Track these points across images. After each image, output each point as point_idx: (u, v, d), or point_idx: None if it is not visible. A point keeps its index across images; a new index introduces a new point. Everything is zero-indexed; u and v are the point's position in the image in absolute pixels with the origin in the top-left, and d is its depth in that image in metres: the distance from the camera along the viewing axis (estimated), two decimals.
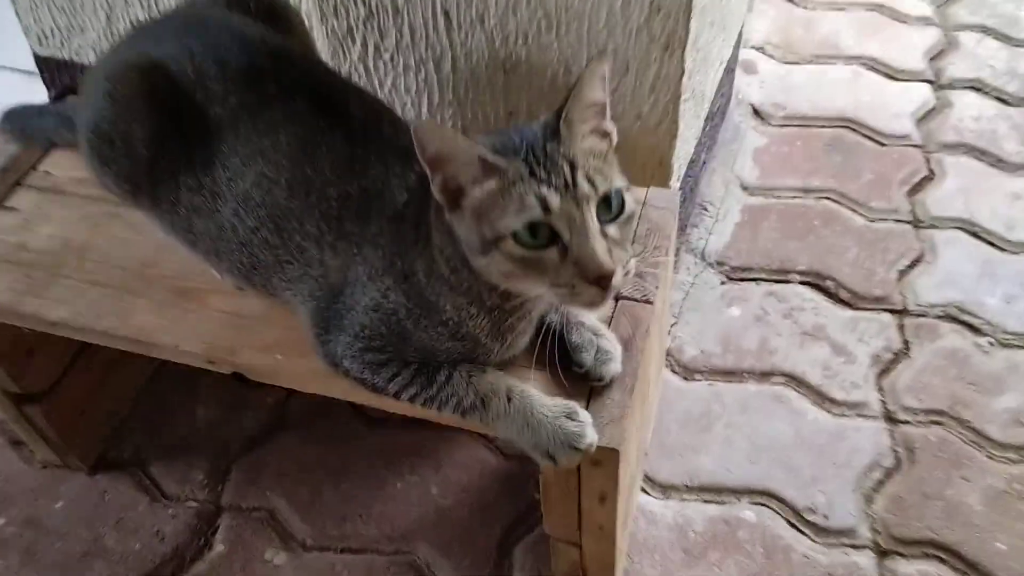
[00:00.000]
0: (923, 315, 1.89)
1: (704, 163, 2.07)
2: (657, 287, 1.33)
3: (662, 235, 1.39)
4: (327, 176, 1.19)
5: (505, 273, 1.05)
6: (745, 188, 2.14)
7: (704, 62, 1.64)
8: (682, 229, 1.99)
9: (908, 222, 2.07)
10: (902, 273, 1.97)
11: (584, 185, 1.01)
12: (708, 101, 1.86)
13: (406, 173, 1.18)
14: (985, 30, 2.53)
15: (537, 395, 1.17)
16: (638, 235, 1.39)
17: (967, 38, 2.51)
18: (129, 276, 1.38)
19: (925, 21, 2.57)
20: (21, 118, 1.58)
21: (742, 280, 1.97)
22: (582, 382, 1.21)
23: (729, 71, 2.12)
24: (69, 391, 1.65)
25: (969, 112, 2.31)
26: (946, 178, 2.15)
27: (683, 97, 1.52)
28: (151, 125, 1.22)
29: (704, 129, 1.92)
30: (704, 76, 1.69)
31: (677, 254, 1.98)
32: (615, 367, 1.21)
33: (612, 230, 1.04)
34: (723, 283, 1.97)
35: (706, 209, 2.09)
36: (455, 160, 1.02)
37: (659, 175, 1.61)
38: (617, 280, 1.02)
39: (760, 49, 2.49)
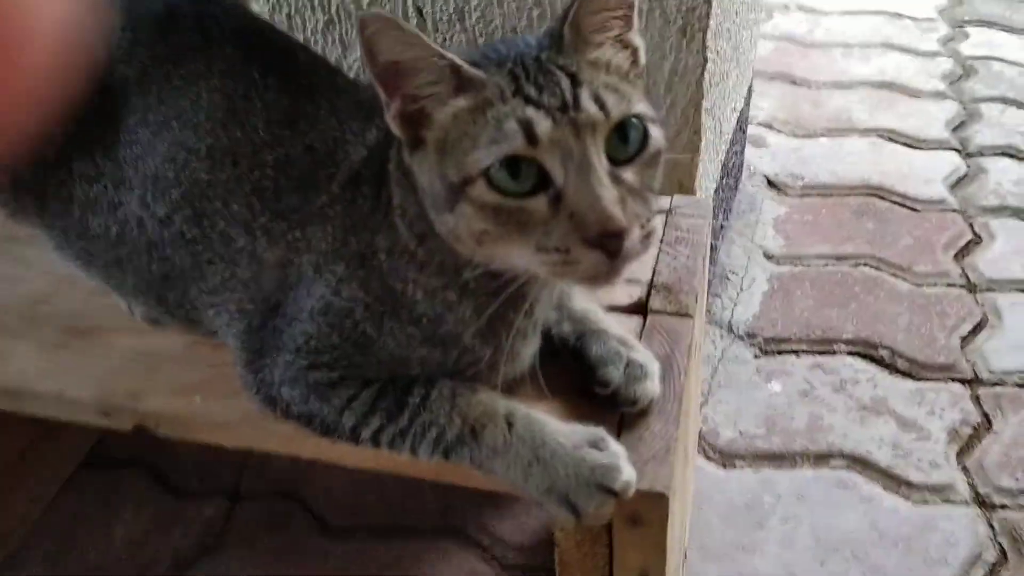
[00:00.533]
0: (999, 383, 1.58)
1: (721, 228, 1.81)
2: (696, 299, 1.02)
3: (696, 243, 1.09)
4: (261, 137, 0.90)
5: (477, 234, 0.74)
6: (770, 257, 1.87)
7: (723, 76, 1.40)
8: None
9: (961, 286, 1.79)
10: (965, 339, 1.67)
11: (589, 105, 0.71)
12: (726, 142, 1.61)
13: (366, 129, 0.89)
14: (1006, 101, 2.36)
15: (549, 420, 0.84)
16: (665, 243, 1.10)
17: (989, 109, 2.33)
18: (11, 317, 1.07)
19: (940, 95, 2.40)
20: None
21: (780, 353, 1.66)
22: (608, 408, 0.89)
23: (740, 131, 1.90)
24: None
25: (1008, 176, 2.09)
26: (995, 241, 1.90)
27: (704, 105, 1.27)
28: None
29: (721, 182, 1.67)
30: (723, 97, 1.45)
31: None
32: (652, 387, 0.89)
33: (628, 174, 0.73)
34: (757, 356, 1.66)
35: (728, 278, 1.80)
36: (418, 71, 0.73)
37: None
38: (631, 242, 0.71)
39: (767, 125, 2.29)
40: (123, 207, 0.94)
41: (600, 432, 0.82)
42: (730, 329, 1.71)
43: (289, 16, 1.32)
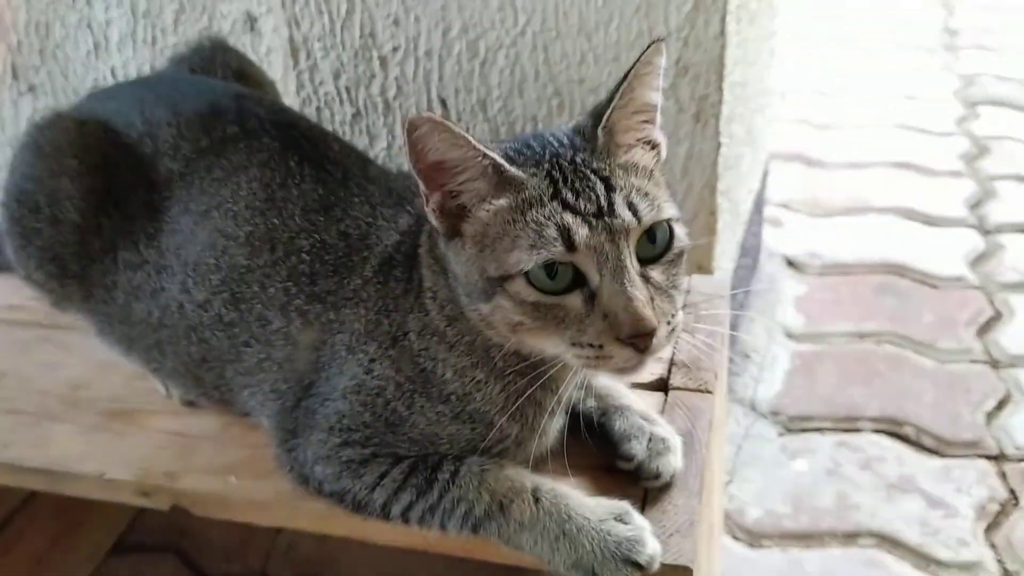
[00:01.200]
0: None
1: (741, 307, 1.83)
2: (716, 376, 1.04)
3: (714, 321, 1.12)
4: (298, 223, 0.95)
5: (513, 325, 0.78)
6: (791, 336, 1.89)
7: (737, 159, 1.45)
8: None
9: (984, 362, 1.79)
10: (990, 415, 1.67)
11: (623, 212, 0.76)
12: (743, 223, 1.65)
13: (398, 215, 0.94)
14: (1021, 179, 2.39)
15: (575, 494, 0.85)
16: (686, 324, 1.12)
17: (1005, 187, 2.36)
18: (52, 400, 1.11)
19: (956, 174, 2.43)
20: None
21: (804, 431, 1.67)
22: (631, 483, 0.90)
23: (757, 212, 1.94)
24: None
25: None
26: (1016, 317, 1.91)
27: (719, 186, 1.31)
28: (84, 184, 1.00)
29: (739, 261, 1.70)
30: (737, 180, 1.49)
31: None
32: (675, 461, 0.90)
33: (656, 273, 0.78)
34: (781, 434, 1.66)
35: (749, 357, 1.82)
36: (461, 169, 0.78)
37: None
38: (660, 339, 0.76)
39: (785, 206, 2.33)
40: (164, 292, 0.98)
41: (625, 506, 0.84)
42: (753, 407, 1.72)
43: (319, 109, 1.39)
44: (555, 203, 0.76)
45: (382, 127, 1.38)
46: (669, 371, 1.05)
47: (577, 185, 0.77)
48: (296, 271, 0.93)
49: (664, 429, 0.92)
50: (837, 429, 1.66)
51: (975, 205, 2.30)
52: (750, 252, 1.91)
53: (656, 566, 0.81)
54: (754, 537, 1.47)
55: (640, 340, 0.75)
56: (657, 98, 0.83)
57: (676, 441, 0.92)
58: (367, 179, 0.98)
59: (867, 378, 1.76)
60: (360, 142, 1.38)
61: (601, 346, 0.76)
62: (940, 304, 1.96)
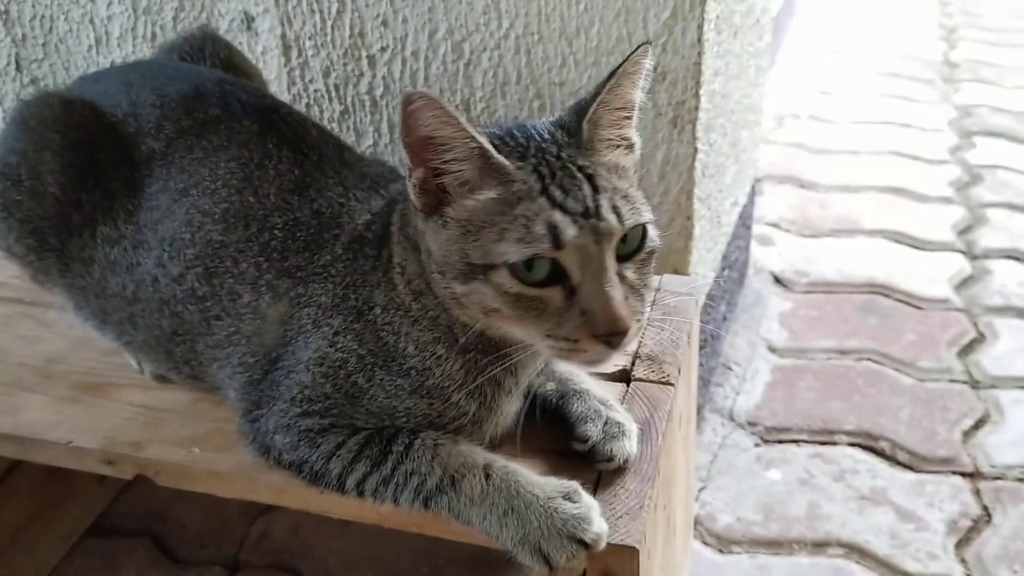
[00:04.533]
0: (1000, 477, 1.58)
1: (725, 319, 1.85)
2: (680, 371, 1.06)
3: (682, 318, 1.14)
4: (273, 202, 0.97)
5: (488, 310, 0.81)
6: (773, 350, 1.90)
7: (718, 168, 1.47)
8: (704, 386, 1.73)
9: (964, 382, 1.80)
10: (966, 433, 1.68)
11: (609, 215, 0.78)
12: (726, 235, 1.67)
13: (371, 197, 0.96)
14: (1012, 207, 2.41)
15: (526, 472, 0.87)
16: (652, 319, 1.14)
17: (995, 214, 2.38)
18: (27, 373, 1.13)
19: (946, 200, 2.45)
20: None
21: (780, 442, 1.68)
22: (585, 467, 0.92)
23: (744, 227, 1.96)
24: None
25: (1013, 278, 2.11)
26: (999, 340, 1.92)
27: (696, 192, 1.34)
28: (66, 159, 1.03)
29: (722, 273, 1.72)
30: (719, 190, 1.51)
31: (700, 412, 1.70)
32: (628, 446, 0.92)
33: (630, 272, 0.81)
34: (757, 445, 1.67)
35: (731, 369, 1.83)
36: (448, 148, 0.80)
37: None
38: (630, 335, 0.79)
39: (775, 225, 2.35)
40: (140, 267, 1.01)
41: (574, 485, 0.85)
42: (731, 417, 1.73)
43: (308, 105, 1.42)
44: (543, 199, 0.79)
45: (369, 125, 1.41)
46: (633, 363, 1.07)
47: (565, 183, 0.79)
48: (268, 247, 0.95)
49: (621, 415, 0.94)
50: (813, 441, 1.67)
51: (964, 231, 2.31)
52: (736, 266, 1.93)
53: (602, 545, 0.82)
54: (723, 543, 1.48)
55: (614, 338, 0.77)
56: (638, 98, 0.86)
57: (632, 427, 0.93)
58: (342, 163, 1.01)
59: (846, 393, 1.77)
60: (347, 139, 1.41)
61: (576, 340, 0.78)
62: (923, 324, 1.97)
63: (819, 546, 1.47)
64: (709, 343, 1.69)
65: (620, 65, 0.82)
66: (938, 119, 2.93)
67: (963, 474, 1.59)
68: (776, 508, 1.54)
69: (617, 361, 1.07)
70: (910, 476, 1.59)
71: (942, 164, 2.64)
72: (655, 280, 1.21)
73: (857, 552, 1.45)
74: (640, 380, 1.04)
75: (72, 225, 1.04)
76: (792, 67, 3.33)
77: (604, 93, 0.82)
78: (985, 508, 1.53)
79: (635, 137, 0.88)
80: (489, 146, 0.79)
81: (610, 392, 0.99)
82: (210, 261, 0.97)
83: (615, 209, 0.79)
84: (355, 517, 0.93)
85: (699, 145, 1.29)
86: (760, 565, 1.44)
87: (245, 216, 0.97)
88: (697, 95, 1.25)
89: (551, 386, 0.96)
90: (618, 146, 0.85)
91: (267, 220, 0.96)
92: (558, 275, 0.78)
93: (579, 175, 0.80)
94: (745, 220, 1.95)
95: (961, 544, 1.46)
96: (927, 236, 2.28)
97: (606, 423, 0.92)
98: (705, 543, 1.48)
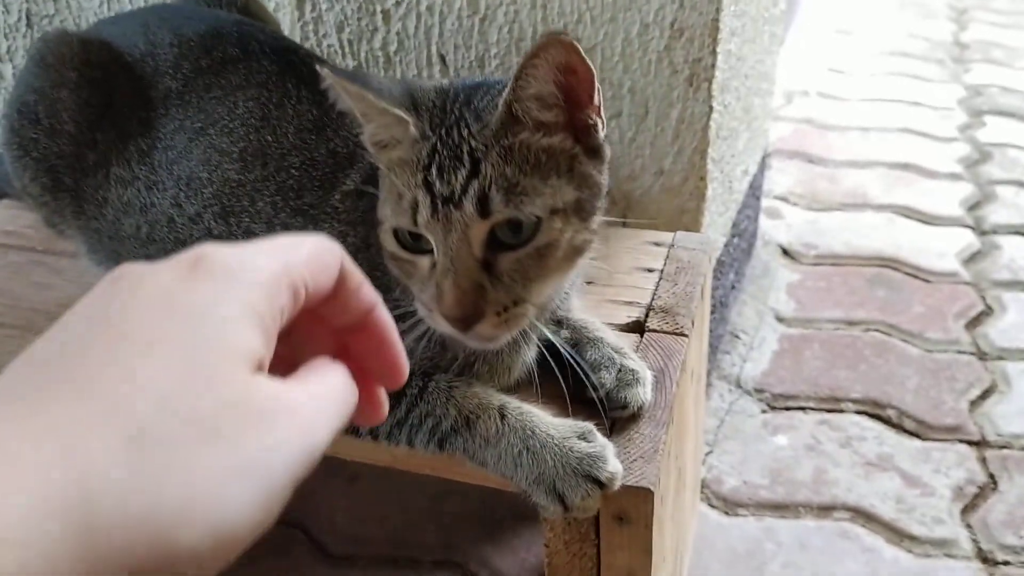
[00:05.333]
0: (1007, 446, 1.58)
1: (733, 288, 1.85)
2: (693, 323, 1.06)
3: (695, 273, 1.14)
4: (291, 141, 0.98)
5: (387, 258, 0.84)
6: (781, 320, 1.90)
7: (732, 132, 1.47)
8: (712, 353, 1.73)
9: (972, 353, 1.80)
10: (973, 403, 1.68)
11: (469, 206, 0.76)
12: (736, 202, 1.67)
13: None
14: (1021, 184, 2.40)
15: (540, 413, 0.87)
16: (666, 273, 1.14)
17: (1004, 191, 2.37)
18: (39, 317, 1.13)
19: (956, 177, 2.44)
20: None
21: (787, 409, 1.68)
22: (599, 414, 0.91)
23: (754, 198, 1.96)
24: None
25: (1021, 253, 2.11)
26: (1007, 313, 1.92)
27: (710, 153, 1.33)
28: (82, 97, 1.03)
29: (732, 242, 1.72)
30: (732, 154, 1.51)
31: (708, 379, 1.70)
32: (643, 393, 0.92)
33: (507, 262, 0.78)
34: (764, 411, 1.67)
35: (738, 337, 1.83)
36: (370, 120, 0.82)
37: None
38: (484, 329, 0.77)
39: (783, 199, 2.35)
40: (154, 208, 1.01)
41: (589, 426, 0.85)
42: (739, 384, 1.73)
43: (320, 62, 1.41)
44: (420, 175, 0.78)
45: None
46: (647, 315, 1.07)
47: (447, 163, 0.77)
48: (284, 186, 0.95)
49: (635, 362, 0.94)
50: (820, 409, 1.68)
51: (973, 207, 2.31)
52: (745, 236, 1.93)
53: (617, 484, 0.83)
54: (729, 505, 1.49)
55: (456, 322, 0.77)
56: (552, 91, 0.78)
57: (646, 375, 0.93)
58: None
59: (853, 362, 1.78)
60: None
61: (431, 310, 0.79)
62: (931, 297, 1.97)
63: (825, 510, 1.47)
64: (718, 310, 1.69)
65: (528, 55, 0.75)
66: (948, 98, 2.92)
67: (969, 442, 1.60)
68: (783, 472, 1.54)
69: (631, 314, 1.08)
70: (916, 443, 1.60)
71: (952, 142, 2.64)
72: (667, 236, 1.21)
73: (863, 516, 1.46)
74: (654, 331, 1.04)
75: (87, 165, 1.04)
76: (802, 45, 3.31)
77: (515, 81, 0.76)
78: (991, 475, 1.53)
79: (595, 116, 0.82)
80: (406, 116, 0.79)
81: (624, 341, 0.99)
82: (227, 200, 0.97)
83: (484, 199, 0.76)
84: (369, 459, 0.93)
85: (714, 104, 1.29)
86: (766, 527, 1.44)
87: (263, 155, 0.97)
88: (714, 52, 1.24)
89: (565, 334, 0.96)
90: (550, 131, 0.80)
91: (284, 159, 0.97)
92: (427, 246, 0.79)
93: (466, 158, 0.77)
94: (755, 190, 1.94)
95: (967, 510, 1.47)
96: (936, 211, 2.28)
97: (620, 370, 0.92)
98: (712, 505, 1.49)
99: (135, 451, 0.35)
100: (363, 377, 0.49)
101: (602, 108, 0.84)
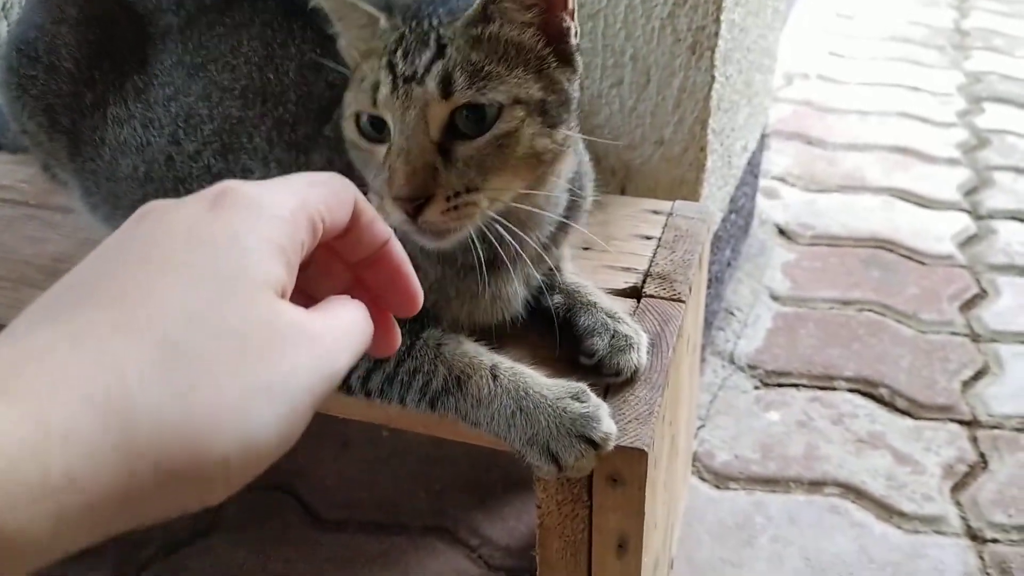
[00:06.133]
0: (998, 427, 1.59)
1: (729, 265, 1.84)
2: (690, 290, 1.06)
3: (693, 242, 1.13)
4: (291, 78, 0.97)
5: (349, 148, 0.84)
6: (776, 298, 1.90)
7: (732, 105, 1.46)
8: (706, 328, 1.72)
9: (965, 335, 1.81)
10: (966, 384, 1.68)
11: (431, 84, 0.75)
12: (735, 177, 1.66)
13: None
14: (1019, 170, 2.40)
15: (532, 373, 0.87)
16: (664, 241, 1.13)
17: (1002, 177, 2.37)
18: (32, 271, 1.12)
19: (954, 162, 2.44)
20: None
21: (780, 385, 1.68)
22: (593, 379, 0.91)
23: (752, 176, 1.95)
24: None
25: (1017, 238, 2.11)
26: (1001, 296, 1.92)
27: (711, 124, 1.32)
28: (81, 34, 1.02)
29: (729, 218, 1.72)
30: (732, 127, 1.50)
31: (701, 353, 1.70)
32: (636, 358, 0.91)
33: (466, 149, 0.76)
34: (757, 388, 1.67)
35: (733, 314, 1.83)
36: (340, 18, 0.82)
37: None
38: (432, 211, 0.75)
39: (781, 179, 2.34)
40: (151, 147, 1.00)
41: (582, 386, 0.85)
42: (732, 360, 1.73)
43: None
44: (385, 59, 0.77)
45: None
46: (644, 281, 1.06)
47: (412, 47, 0.76)
48: (281, 120, 0.95)
49: (630, 327, 0.93)
50: (813, 386, 1.68)
51: (970, 191, 2.31)
52: (742, 214, 1.92)
53: (611, 445, 0.82)
54: (720, 479, 1.49)
55: (403, 204, 0.75)
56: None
57: (641, 339, 0.92)
58: None
59: (847, 341, 1.78)
60: None
61: (382, 197, 0.77)
62: (926, 279, 1.97)
63: (815, 485, 1.47)
64: (713, 286, 1.69)
65: None
66: (947, 84, 2.91)
67: (961, 422, 1.60)
68: (774, 448, 1.54)
69: (628, 279, 1.07)
70: (908, 422, 1.60)
71: (950, 127, 2.63)
72: (666, 204, 1.20)
73: (853, 492, 1.46)
74: (651, 296, 1.04)
75: (84, 105, 1.03)
76: (803, 28, 3.30)
77: None
78: (982, 455, 1.53)
79: (568, 21, 0.81)
80: (373, 10, 0.79)
81: (620, 306, 0.99)
82: (227, 137, 0.97)
83: (447, 79, 0.75)
84: (363, 417, 0.93)
85: (716, 74, 1.28)
86: (756, 501, 1.45)
87: (263, 92, 0.97)
88: (718, 20, 1.23)
89: (558, 299, 0.96)
90: (516, 27, 0.79)
91: (284, 95, 0.97)
92: (387, 138, 0.77)
93: (432, 43, 0.76)
94: (753, 168, 1.94)
95: (957, 488, 1.47)
96: (933, 195, 2.28)
97: (613, 336, 0.91)
98: (702, 479, 1.49)
99: (169, 359, 0.37)
100: (377, 309, 0.51)
101: (576, 13, 0.83)
